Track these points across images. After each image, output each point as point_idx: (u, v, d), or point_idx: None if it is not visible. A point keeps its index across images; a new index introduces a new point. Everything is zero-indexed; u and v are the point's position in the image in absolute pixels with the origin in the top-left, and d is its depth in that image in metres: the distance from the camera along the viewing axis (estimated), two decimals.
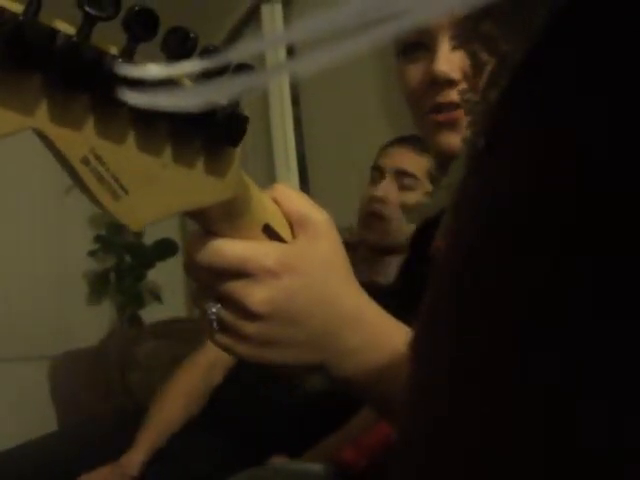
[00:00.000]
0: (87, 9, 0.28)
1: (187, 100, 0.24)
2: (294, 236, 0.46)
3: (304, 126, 2.33)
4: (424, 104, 0.78)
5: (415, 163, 1.31)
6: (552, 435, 0.16)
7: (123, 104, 0.32)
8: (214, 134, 0.37)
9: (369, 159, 1.94)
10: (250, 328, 0.44)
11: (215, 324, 0.45)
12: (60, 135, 0.31)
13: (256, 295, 0.43)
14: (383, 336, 0.46)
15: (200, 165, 0.38)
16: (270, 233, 0.45)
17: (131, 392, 1.91)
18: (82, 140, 0.32)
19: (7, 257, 2.50)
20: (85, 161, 0.33)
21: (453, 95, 0.74)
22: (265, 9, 2.41)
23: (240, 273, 0.43)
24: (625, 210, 0.15)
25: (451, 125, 0.75)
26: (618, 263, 0.16)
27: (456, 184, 0.21)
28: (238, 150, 0.39)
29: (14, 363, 2.40)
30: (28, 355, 2.42)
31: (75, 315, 2.62)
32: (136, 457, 1.27)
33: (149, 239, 2.67)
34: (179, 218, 2.86)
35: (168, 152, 0.36)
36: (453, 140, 0.75)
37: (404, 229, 1.23)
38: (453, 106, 0.75)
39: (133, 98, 0.26)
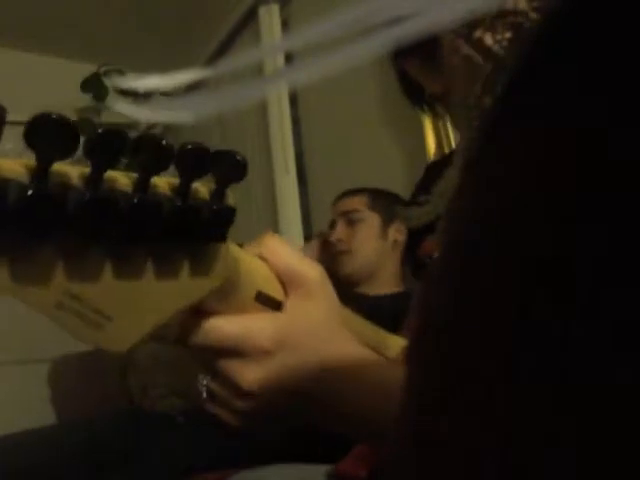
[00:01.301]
0: (40, 152, 0.25)
1: (183, 111, 0.24)
2: (286, 294, 0.45)
3: (302, 126, 2.33)
4: None
5: (353, 201, 1.62)
6: (552, 435, 0.16)
7: (96, 239, 0.29)
8: (199, 236, 0.34)
9: (366, 158, 1.94)
10: (241, 405, 0.43)
11: (205, 394, 0.44)
12: (27, 292, 0.28)
13: (250, 375, 0.42)
14: (381, 391, 0.44)
15: (185, 270, 0.35)
16: (263, 299, 0.43)
17: (130, 394, 1.90)
18: (53, 289, 0.29)
19: None
20: (59, 306, 0.29)
21: None
22: (262, 10, 2.41)
23: (233, 351, 0.42)
24: (625, 215, 0.16)
25: None
26: (618, 265, 0.16)
27: (451, 190, 0.21)
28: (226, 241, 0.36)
29: (14, 366, 2.40)
30: (28, 358, 2.42)
31: None
32: None
33: None
34: None
35: (150, 271, 0.33)
36: None
37: (366, 253, 1.56)
38: None
39: (128, 111, 0.25)
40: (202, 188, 0.34)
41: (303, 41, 0.19)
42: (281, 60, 2.02)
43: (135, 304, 0.32)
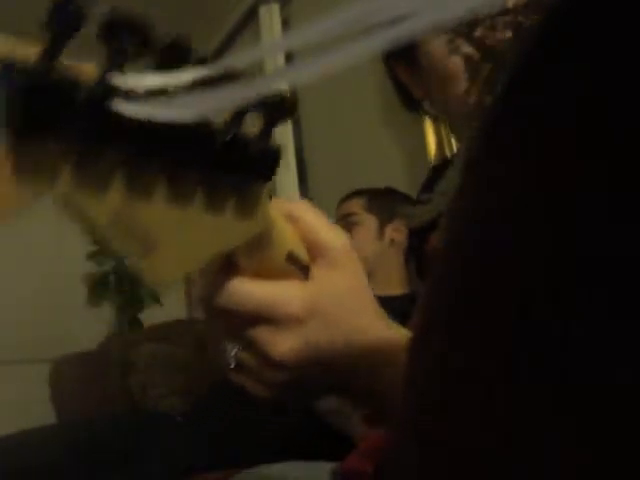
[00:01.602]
0: (110, 54, 0.25)
1: (184, 111, 0.23)
2: (311, 260, 0.44)
3: (302, 124, 2.33)
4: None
5: (350, 204, 1.63)
6: (552, 435, 0.16)
7: (152, 157, 0.29)
8: (248, 173, 0.34)
9: (367, 157, 1.94)
10: (271, 375, 0.42)
11: (233, 364, 0.43)
12: (86, 200, 0.28)
13: (282, 345, 0.41)
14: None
15: (231, 207, 0.35)
16: (293, 260, 0.43)
17: (131, 395, 1.90)
18: (109, 202, 0.29)
19: (6, 260, 2.50)
20: (112, 222, 0.29)
21: None
22: (263, 10, 2.42)
23: (263, 317, 0.41)
24: (626, 215, 0.16)
25: None
26: (618, 264, 0.16)
27: (453, 188, 0.21)
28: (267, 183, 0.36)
29: (14, 366, 2.40)
30: (28, 358, 2.42)
31: (75, 318, 2.62)
32: None
33: None
34: None
35: (199, 201, 0.33)
36: None
37: (363, 256, 1.52)
38: None
39: (128, 110, 0.25)
40: (251, 125, 0.34)
41: (303, 40, 0.19)
42: (281, 59, 2.02)
43: (181, 234, 0.33)
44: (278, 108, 0.33)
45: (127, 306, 2.64)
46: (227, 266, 0.40)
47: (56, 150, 0.26)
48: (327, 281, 0.43)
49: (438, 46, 0.79)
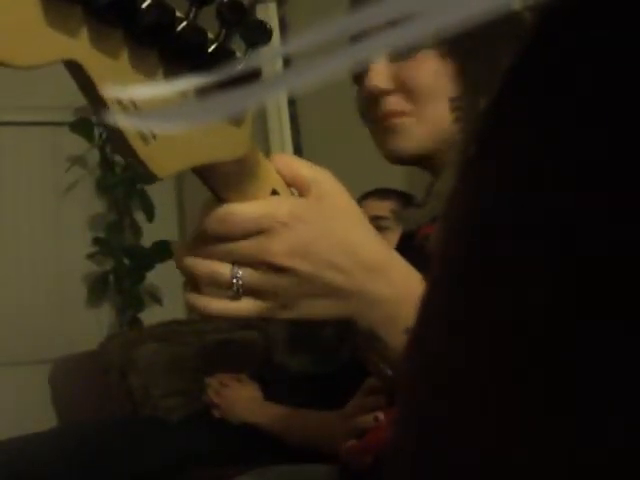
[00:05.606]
0: None
1: (183, 117, 0.24)
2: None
3: (301, 124, 2.33)
4: (372, 116, 0.85)
5: (383, 207, 1.60)
6: (551, 435, 0.16)
7: (153, 44, 0.32)
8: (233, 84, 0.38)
9: (366, 156, 1.94)
10: (279, 281, 0.44)
11: (239, 289, 0.44)
12: (97, 69, 0.31)
13: (276, 248, 0.43)
14: (409, 286, 0.47)
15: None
16: None
17: (131, 395, 1.90)
18: (117, 76, 0.32)
19: (5, 261, 2.49)
20: (119, 100, 0.32)
21: (390, 104, 0.79)
22: (260, 9, 2.41)
23: (254, 231, 0.43)
24: (627, 215, 0.16)
25: (394, 131, 0.79)
26: (617, 265, 0.16)
27: (447, 192, 0.21)
28: None
29: (14, 367, 2.40)
30: (28, 359, 2.41)
31: (74, 318, 2.61)
32: None
33: (148, 241, 2.66)
34: (178, 220, 2.86)
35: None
36: (401, 144, 0.79)
37: None
38: (391, 114, 0.79)
39: (125, 121, 0.25)
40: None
41: (302, 46, 0.19)
42: (279, 63, 2.02)
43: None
44: (257, 32, 0.37)
45: (127, 306, 2.63)
46: (219, 200, 0.44)
47: (77, 14, 0.30)
48: (316, 202, 0.46)
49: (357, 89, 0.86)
